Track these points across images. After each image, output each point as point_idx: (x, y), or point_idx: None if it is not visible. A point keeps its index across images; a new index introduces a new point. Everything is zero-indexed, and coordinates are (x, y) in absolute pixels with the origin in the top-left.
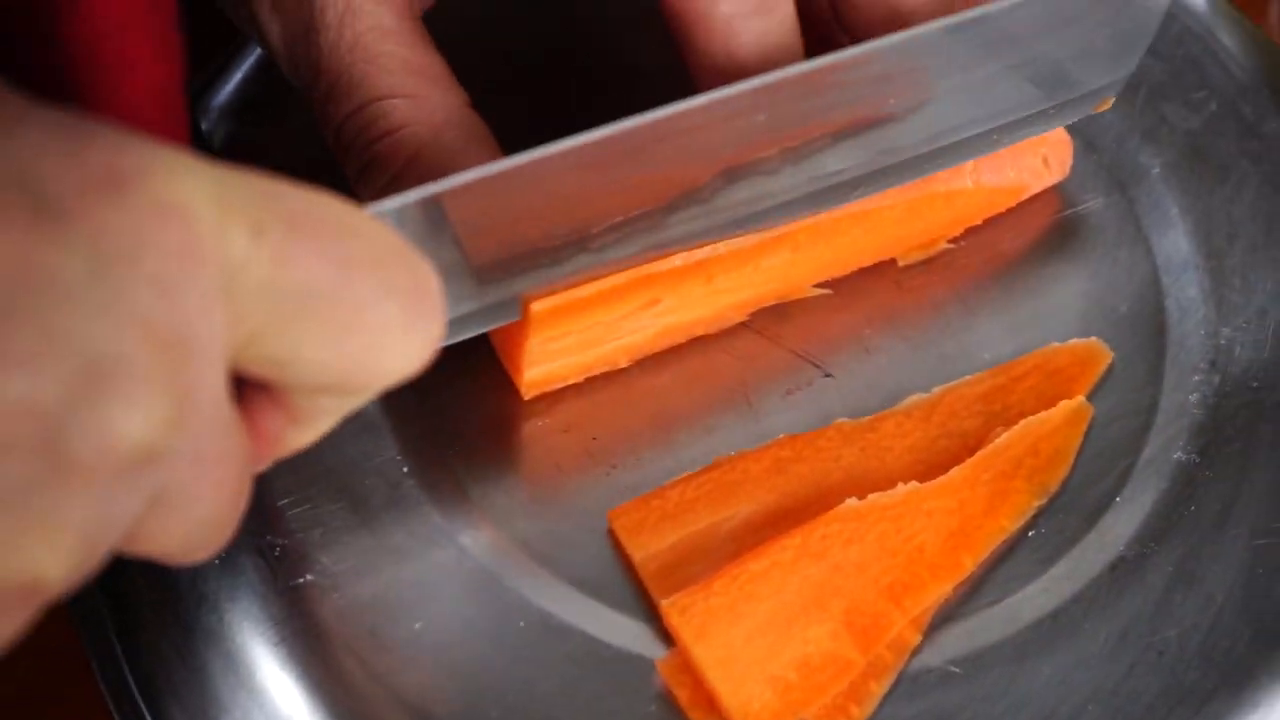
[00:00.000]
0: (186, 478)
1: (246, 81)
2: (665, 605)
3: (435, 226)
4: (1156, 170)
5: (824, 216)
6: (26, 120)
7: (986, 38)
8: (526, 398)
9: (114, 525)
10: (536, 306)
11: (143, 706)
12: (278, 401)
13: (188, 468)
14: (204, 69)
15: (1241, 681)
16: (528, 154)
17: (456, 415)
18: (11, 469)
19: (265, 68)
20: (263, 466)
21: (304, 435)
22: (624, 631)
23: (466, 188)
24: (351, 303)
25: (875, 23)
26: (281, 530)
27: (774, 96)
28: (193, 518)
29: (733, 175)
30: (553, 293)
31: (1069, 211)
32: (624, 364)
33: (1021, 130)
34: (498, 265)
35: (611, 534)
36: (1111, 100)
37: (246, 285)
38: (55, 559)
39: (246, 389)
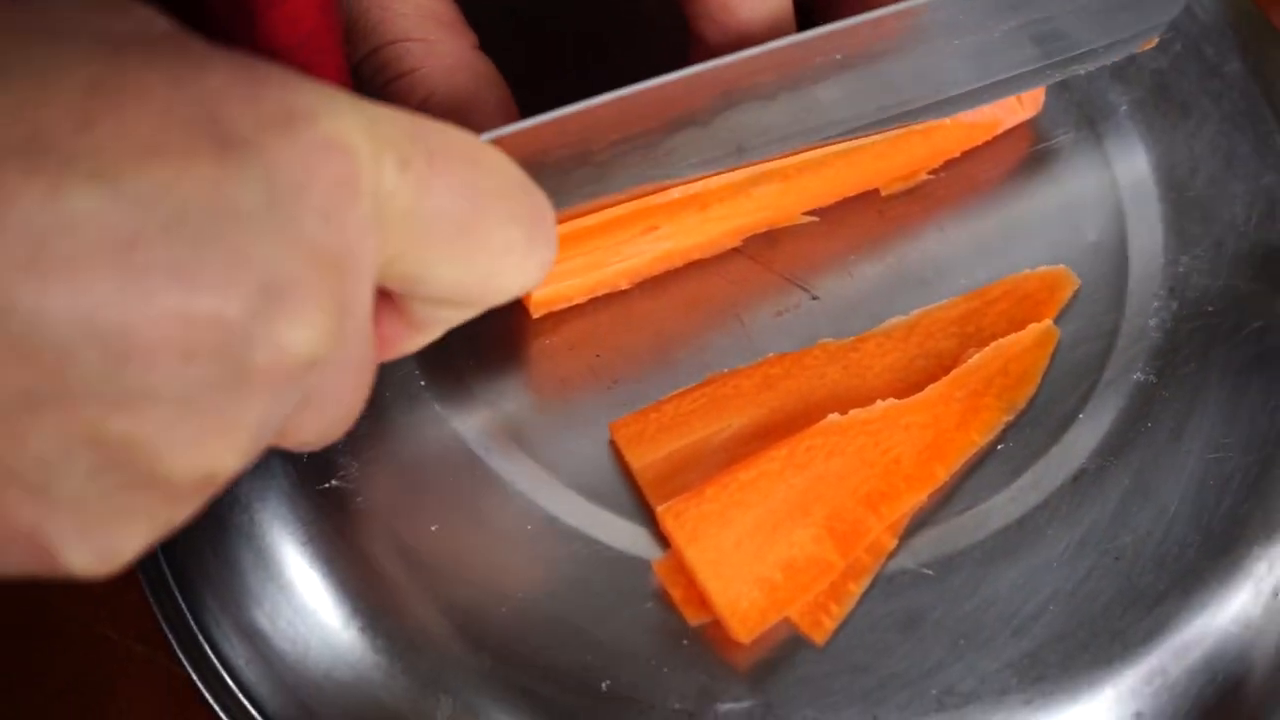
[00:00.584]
0: (335, 380)
1: None
2: (661, 511)
3: None
4: (1124, 107)
5: (816, 157)
6: (210, 64)
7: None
8: (534, 316)
9: (276, 423)
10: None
11: (179, 597)
12: (400, 310)
13: (337, 372)
14: None
15: (1191, 584)
16: (550, 114)
17: (469, 331)
18: (199, 375)
19: None
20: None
21: (417, 341)
22: (623, 534)
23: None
24: (481, 227)
25: None
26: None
27: (781, 57)
28: (331, 414)
29: (731, 98)
30: (561, 220)
31: (1041, 145)
32: (625, 286)
33: (1049, 74)
34: None
35: (612, 444)
36: (1155, 40)
37: (393, 212)
38: (232, 454)
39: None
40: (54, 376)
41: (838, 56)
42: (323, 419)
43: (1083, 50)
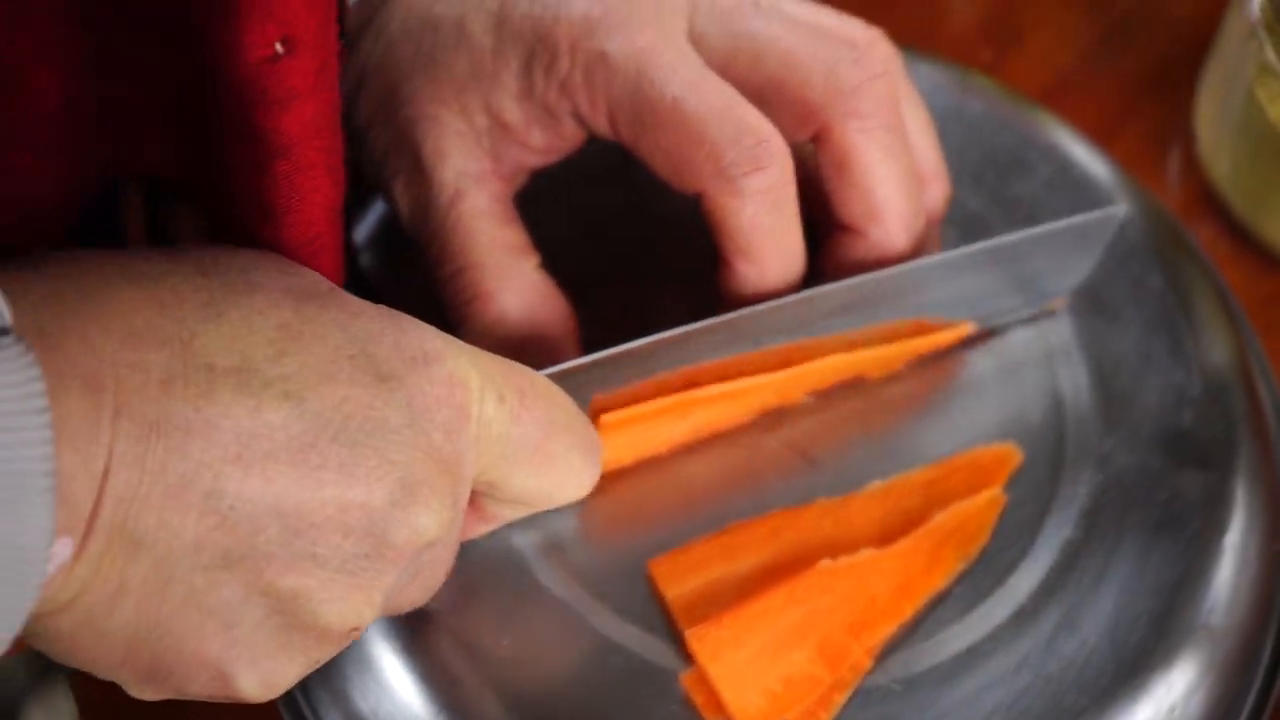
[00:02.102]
0: (440, 557)
1: (381, 223)
2: (689, 634)
3: None
4: (1065, 313)
5: (813, 344)
6: (364, 313)
7: (977, 265)
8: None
9: (394, 590)
10: (607, 419)
11: (297, 690)
12: (475, 505)
13: (443, 550)
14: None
15: (1106, 703)
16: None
17: None
18: (352, 547)
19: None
20: None
21: (483, 530)
22: (656, 650)
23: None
24: (552, 452)
25: (852, 202)
26: None
27: (817, 302)
28: (430, 584)
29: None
30: (617, 404)
31: (996, 344)
32: (663, 452)
33: (992, 321)
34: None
35: (649, 577)
36: (1062, 300)
37: (490, 433)
38: (370, 610)
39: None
40: (245, 542)
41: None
42: (424, 588)
43: (1011, 308)
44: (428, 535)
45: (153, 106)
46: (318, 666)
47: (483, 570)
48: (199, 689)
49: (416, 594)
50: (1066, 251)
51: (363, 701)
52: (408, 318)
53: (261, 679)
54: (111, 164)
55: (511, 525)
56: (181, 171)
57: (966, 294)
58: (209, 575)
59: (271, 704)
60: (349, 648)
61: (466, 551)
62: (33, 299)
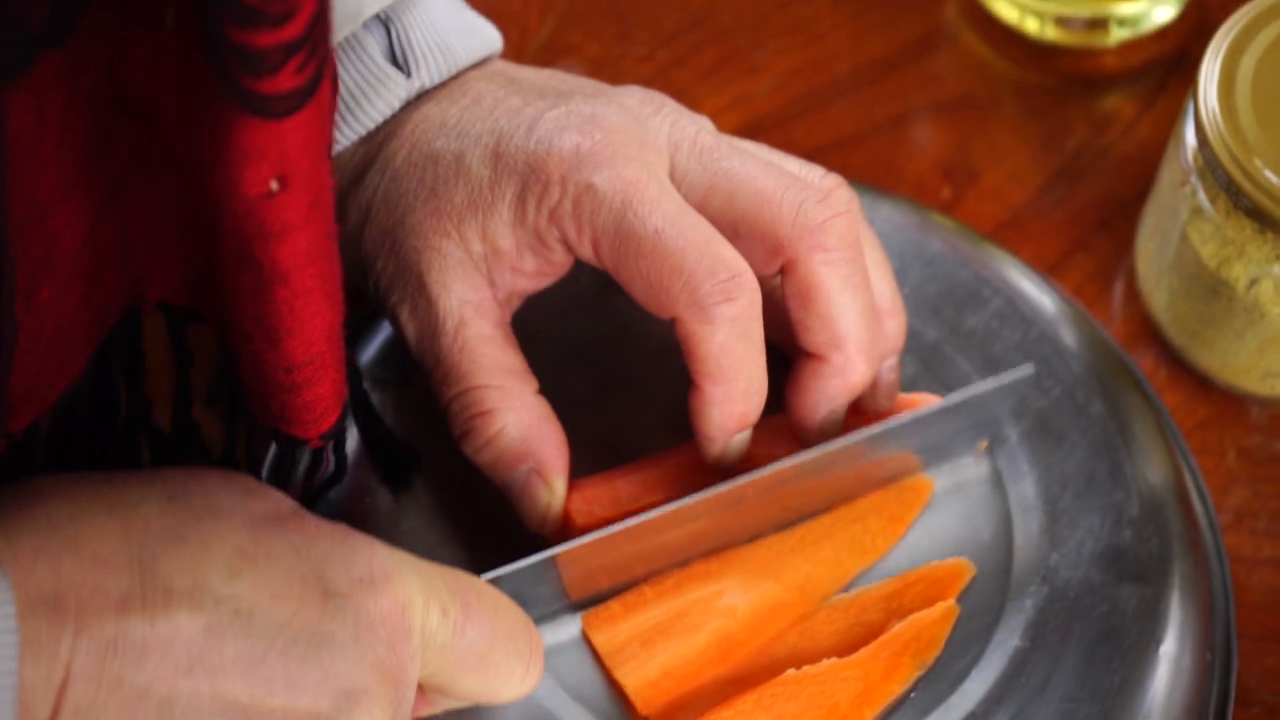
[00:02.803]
0: None
1: (386, 345)
2: None
3: (547, 573)
4: (1014, 437)
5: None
6: (320, 535)
7: (924, 426)
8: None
9: None
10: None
11: None
12: (422, 694)
13: None
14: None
15: None
16: (603, 532)
17: None
18: None
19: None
20: None
21: (429, 710)
22: None
23: (570, 551)
24: (494, 660)
25: (815, 330)
26: None
27: (799, 469)
28: None
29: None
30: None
31: (951, 468)
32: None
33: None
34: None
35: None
36: (987, 443)
37: (434, 645)
38: None
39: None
40: None
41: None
42: None
43: (945, 451)
44: None
45: (164, 239)
46: None
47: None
48: None
49: None
50: (993, 405)
51: None
52: (362, 538)
53: None
54: (128, 294)
55: None
56: (193, 298)
57: (920, 445)
58: None
59: None
60: None
61: None
62: (10, 528)
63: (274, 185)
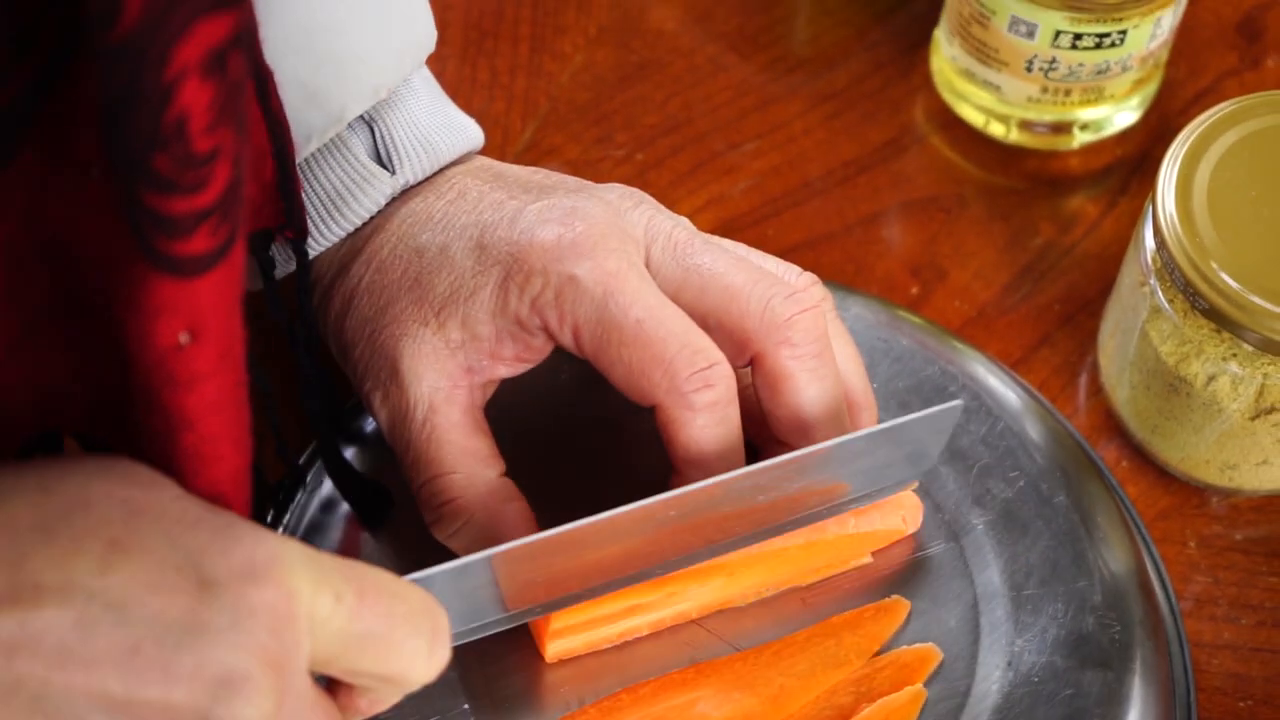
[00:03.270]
0: None
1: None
2: None
3: (484, 575)
4: (980, 526)
5: (753, 553)
6: (200, 525)
7: (854, 451)
8: (549, 661)
9: None
10: (555, 632)
11: None
12: (354, 689)
13: None
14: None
15: None
16: (539, 535)
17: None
18: None
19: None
20: None
21: (376, 707)
22: None
23: (504, 554)
24: (394, 640)
25: (785, 420)
26: None
27: (731, 485)
28: None
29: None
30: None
31: (919, 553)
32: (614, 644)
33: (866, 500)
34: (526, 598)
35: None
36: (918, 482)
37: (329, 630)
38: None
39: (339, 681)
40: None
41: (770, 483)
42: None
43: (877, 489)
44: None
45: (77, 378)
46: None
47: None
48: None
49: None
50: (924, 436)
51: None
52: (247, 526)
53: None
54: (37, 425)
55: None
56: (106, 432)
57: (850, 474)
58: None
59: None
60: None
61: None
62: None
63: (183, 338)
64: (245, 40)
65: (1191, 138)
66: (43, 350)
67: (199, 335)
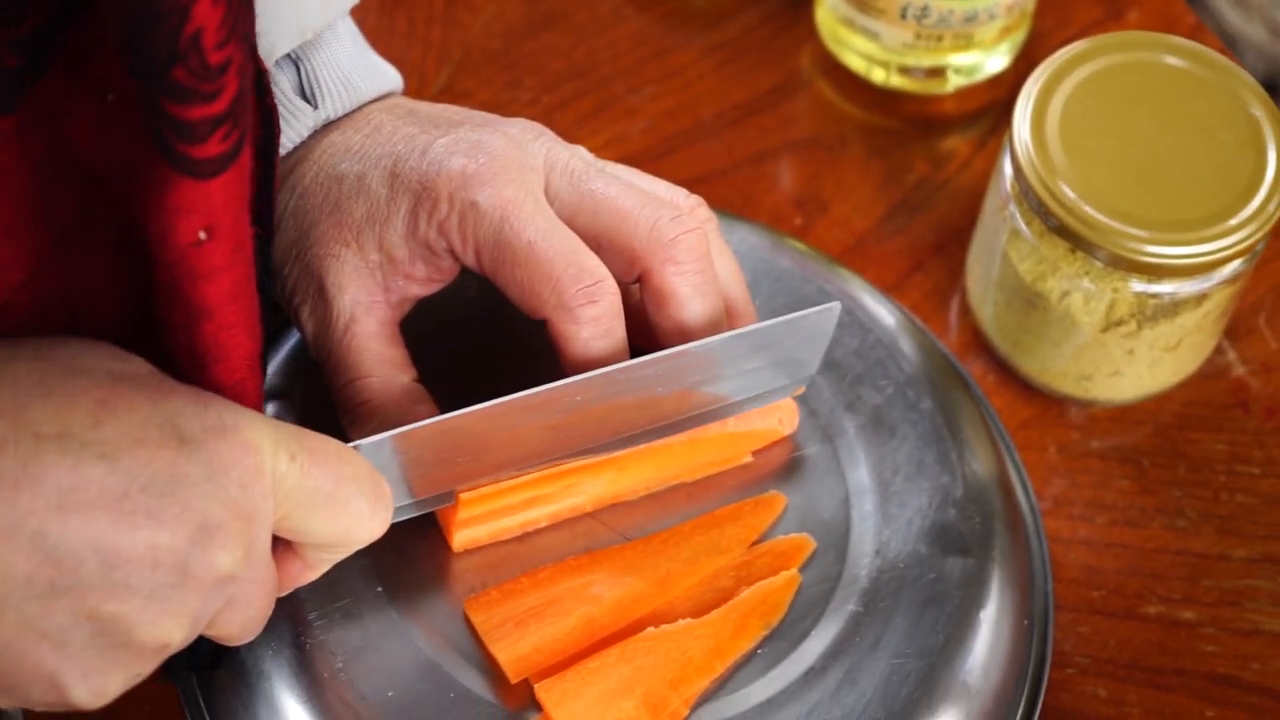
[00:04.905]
0: (246, 592)
1: (295, 349)
2: (538, 687)
3: (388, 457)
4: (852, 430)
5: (642, 450)
6: (175, 392)
7: (736, 350)
8: (455, 550)
9: (207, 615)
10: (466, 497)
11: None
12: (295, 552)
13: (247, 586)
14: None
15: None
16: (438, 418)
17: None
18: (160, 578)
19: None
20: (286, 591)
21: (310, 574)
22: (517, 697)
23: (406, 435)
24: (341, 499)
25: (670, 333)
26: (309, 632)
27: (614, 379)
28: (245, 616)
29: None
30: (476, 485)
31: (795, 454)
32: (517, 532)
33: (751, 404)
34: (430, 485)
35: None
36: (804, 388)
37: (284, 487)
38: (179, 631)
39: (278, 546)
40: (70, 574)
41: (655, 379)
42: (240, 618)
43: (761, 393)
44: (223, 569)
45: (105, 282)
46: (140, 680)
47: (367, 632)
48: (39, 697)
49: (233, 623)
50: (803, 340)
51: None
52: (217, 398)
53: (91, 689)
54: (68, 328)
55: (395, 613)
56: (131, 332)
57: (734, 374)
58: (41, 604)
59: None
60: (263, 702)
61: (353, 618)
62: None
63: (202, 235)
64: None
65: (1046, 73)
66: (73, 263)
67: (214, 232)
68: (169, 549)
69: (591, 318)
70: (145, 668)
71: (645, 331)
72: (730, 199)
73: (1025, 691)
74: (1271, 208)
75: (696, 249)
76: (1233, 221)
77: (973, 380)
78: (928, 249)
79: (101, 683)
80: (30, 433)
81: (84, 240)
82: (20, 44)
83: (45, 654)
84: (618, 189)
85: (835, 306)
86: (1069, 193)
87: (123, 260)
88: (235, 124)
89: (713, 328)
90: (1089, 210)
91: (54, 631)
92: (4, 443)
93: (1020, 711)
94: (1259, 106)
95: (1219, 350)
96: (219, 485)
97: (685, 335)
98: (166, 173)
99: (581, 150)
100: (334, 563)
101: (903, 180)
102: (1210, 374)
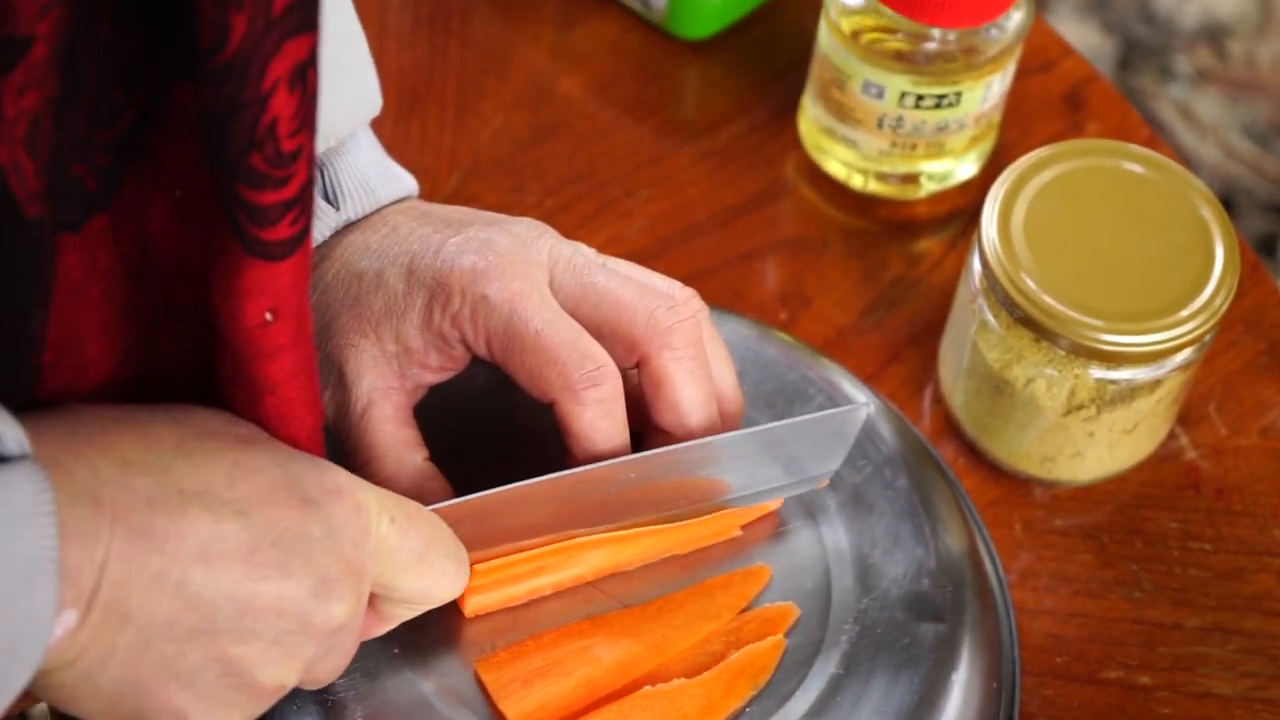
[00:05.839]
0: (346, 640)
1: None
2: None
3: None
4: (833, 506)
5: (640, 525)
6: (295, 458)
7: (753, 446)
8: (467, 615)
9: (312, 660)
10: (480, 568)
11: None
12: (373, 607)
13: (348, 635)
14: None
15: None
16: (462, 499)
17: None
18: (284, 625)
19: None
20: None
21: (382, 628)
22: None
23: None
24: (429, 560)
25: (665, 413)
26: (331, 690)
27: (623, 471)
28: (337, 663)
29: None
30: (490, 556)
31: (780, 528)
32: (524, 600)
33: (770, 495)
34: None
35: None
36: (828, 480)
37: (385, 546)
38: (294, 675)
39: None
40: (207, 619)
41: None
42: (333, 664)
43: (782, 485)
44: (338, 619)
45: (176, 366)
46: (254, 718)
47: (388, 695)
48: None
49: (328, 669)
50: (822, 439)
51: None
52: (326, 461)
53: None
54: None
55: (411, 672)
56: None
57: (745, 470)
58: (178, 645)
59: None
60: None
61: (382, 693)
62: (50, 438)
63: (269, 316)
64: (316, 60)
65: (1012, 176)
66: (151, 352)
67: (279, 313)
68: (293, 599)
69: (596, 399)
70: (260, 708)
71: (640, 411)
72: (721, 294)
73: None
74: (1219, 301)
75: (690, 336)
76: (1184, 313)
77: (945, 463)
78: (903, 341)
79: (222, 719)
80: (176, 490)
81: (161, 331)
82: (111, 146)
83: (174, 692)
84: (617, 281)
85: (865, 406)
86: (1033, 286)
87: (188, 345)
88: (303, 209)
89: (704, 409)
90: (1051, 302)
91: (184, 672)
92: (154, 499)
93: None
94: (1208, 208)
95: (1172, 435)
96: (336, 543)
97: (679, 414)
98: (239, 256)
99: (582, 246)
100: (404, 619)
101: (880, 278)
102: (1165, 457)
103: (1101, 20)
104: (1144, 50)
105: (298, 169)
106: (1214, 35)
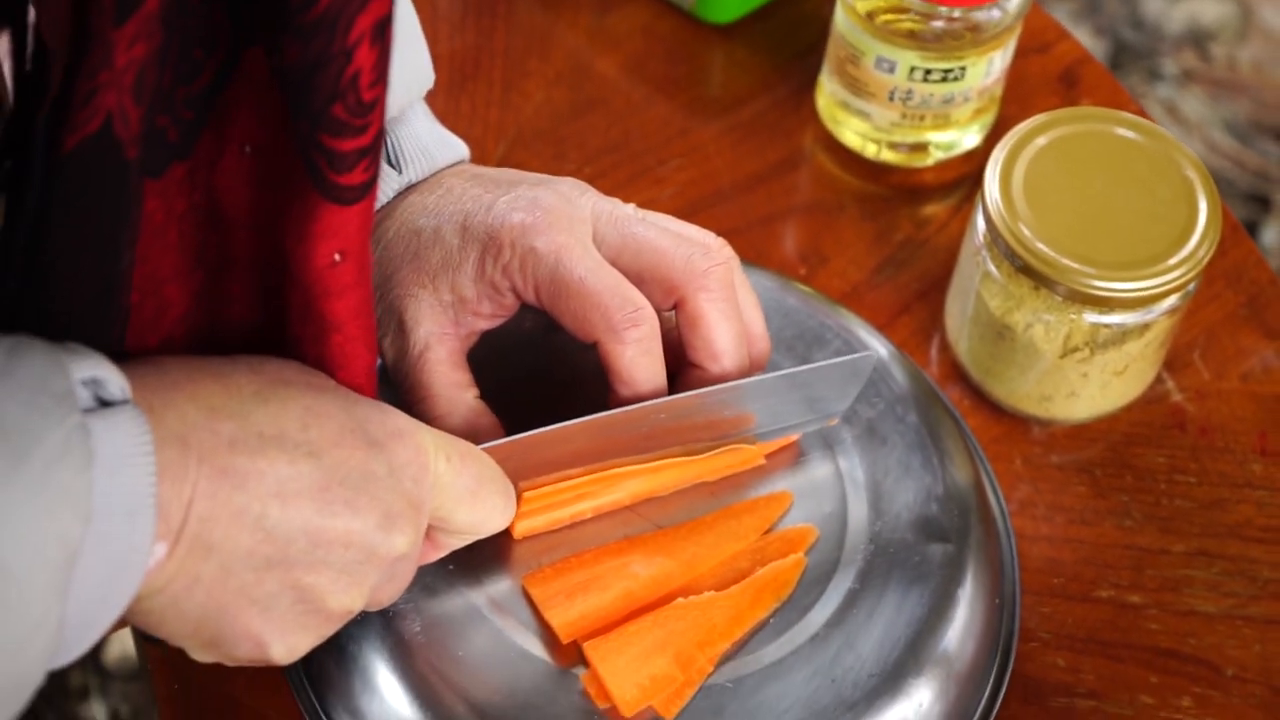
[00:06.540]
0: (406, 568)
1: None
2: (587, 646)
3: None
4: (849, 439)
5: (673, 455)
6: (360, 403)
7: (777, 387)
8: (516, 537)
9: (376, 586)
10: (528, 494)
11: (313, 696)
12: (429, 537)
13: (408, 563)
14: None
15: (873, 698)
16: (517, 436)
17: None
18: (351, 556)
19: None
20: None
21: (437, 555)
22: (568, 656)
23: (491, 448)
24: (481, 495)
25: (700, 350)
26: (393, 604)
27: (666, 408)
28: (397, 588)
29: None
30: (535, 486)
31: (801, 458)
32: (568, 522)
33: (790, 430)
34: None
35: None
36: (838, 418)
37: (441, 483)
38: (360, 600)
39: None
40: (282, 550)
41: (704, 408)
42: (394, 589)
43: (801, 422)
44: (400, 550)
45: (238, 314)
46: (322, 640)
47: (442, 606)
48: (243, 654)
49: (390, 593)
50: (838, 381)
51: (363, 702)
52: (388, 406)
53: (287, 647)
54: (218, 346)
55: (465, 587)
56: (266, 350)
57: (769, 408)
58: (256, 574)
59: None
60: (353, 662)
61: (431, 595)
62: (145, 385)
63: (337, 257)
64: (393, 17)
65: (1013, 140)
66: (217, 299)
67: (347, 254)
68: (360, 532)
69: (636, 339)
70: (329, 630)
71: (676, 350)
72: (745, 253)
73: (996, 660)
74: (1202, 252)
75: (724, 279)
76: (1170, 262)
77: (951, 403)
78: (912, 295)
79: (296, 642)
80: (255, 433)
81: (226, 276)
82: (192, 100)
83: (253, 617)
84: (656, 232)
85: (871, 355)
86: (1032, 237)
87: (250, 294)
88: (374, 158)
89: (736, 347)
90: (1049, 252)
91: (262, 598)
92: (235, 441)
93: (992, 676)
94: (1192, 170)
95: (1159, 380)
96: (398, 480)
97: (712, 351)
98: (314, 201)
99: (619, 202)
100: (456, 548)
101: (891, 239)
102: (1152, 399)
103: (1093, 24)
104: (1133, 53)
105: (374, 118)
106: (1198, 39)
